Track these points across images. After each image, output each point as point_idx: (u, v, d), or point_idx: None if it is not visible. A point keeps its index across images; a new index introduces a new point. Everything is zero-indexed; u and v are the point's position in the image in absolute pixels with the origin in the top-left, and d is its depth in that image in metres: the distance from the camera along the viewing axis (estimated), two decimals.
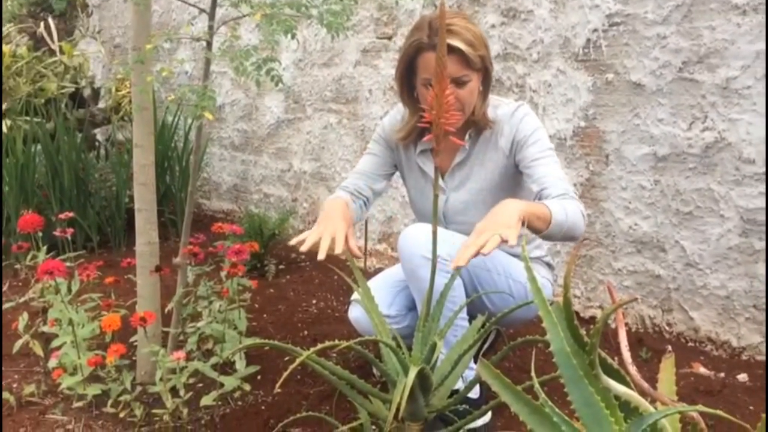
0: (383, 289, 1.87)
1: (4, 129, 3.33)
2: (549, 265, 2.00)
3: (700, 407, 0.77)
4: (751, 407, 1.88)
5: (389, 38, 3.05)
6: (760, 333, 2.14)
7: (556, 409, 0.88)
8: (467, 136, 1.82)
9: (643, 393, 0.88)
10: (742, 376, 2.06)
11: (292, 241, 1.60)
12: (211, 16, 1.70)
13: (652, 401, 0.91)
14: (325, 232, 1.58)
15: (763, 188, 2.07)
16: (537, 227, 1.53)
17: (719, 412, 0.76)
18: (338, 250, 1.55)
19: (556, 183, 1.65)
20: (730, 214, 2.14)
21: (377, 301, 1.67)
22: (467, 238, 1.46)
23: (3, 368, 2.14)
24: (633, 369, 0.88)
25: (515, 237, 1.38)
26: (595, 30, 2.37)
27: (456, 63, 1.64)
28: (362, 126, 3.21)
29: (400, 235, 1.76)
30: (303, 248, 1.56)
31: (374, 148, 1.96)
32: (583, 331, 0.94)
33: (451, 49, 1.60)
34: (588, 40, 2.39)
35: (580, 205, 1.62)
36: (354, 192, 1.90)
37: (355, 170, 1.96)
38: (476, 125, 1.80)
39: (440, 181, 1.82)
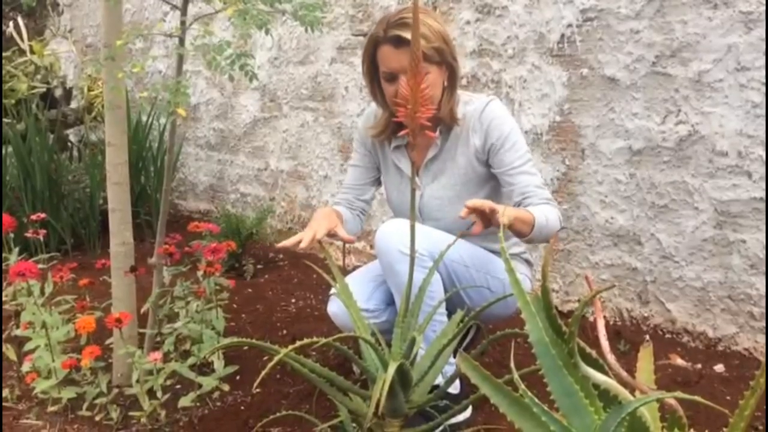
0: (362, 284, 1.86)
1: None
2: (527, 262, 2.00)
3: (679, 394, 0.78)
4: (728, 397, 1.90)
5: (365, 35, 3.04)
6: (736, 324, 2.16)
7: (536, 400, 0.87)
8: (437, 132, 1.82)
9: (621, 382, 0.89)
10: (719, 367, 2.09)
11: (279, 245, 1.67)
12: (184, 11, 1.67)
13: (631, 390, 0.91)
14: (307, 231, 1.68)
15: (736, 180, 2.09)
16: (522, 230, 1.63)
17: (697, 398, 0.76)
18: (319, 235, 1.66)
19: (537, 192, 1.74)
20: (705, 207, 2.17)
21: (356, 296, 1.67)
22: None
23: None
24: (611, 358, 0.88)
25: (505, 216, 1.50)
26: (570, 25, 2.38)
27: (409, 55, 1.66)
28: (339, 123, 3.20)
29: (378, 231, 1.75)
30: (286, 244, 1.66)
31: (355, 157, 2.01)
32: (561, 322, 0.94)
33: (406, 42, 1.63)
34: (562, 35, 2.41)
35: (559, 211, 1.74)
36: (347, 205, 1.99)
37: (343, 185, 2.05)
38: (443, 122, 1.80)
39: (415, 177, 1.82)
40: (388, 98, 1.76)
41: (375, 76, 1.80)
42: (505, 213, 1.55)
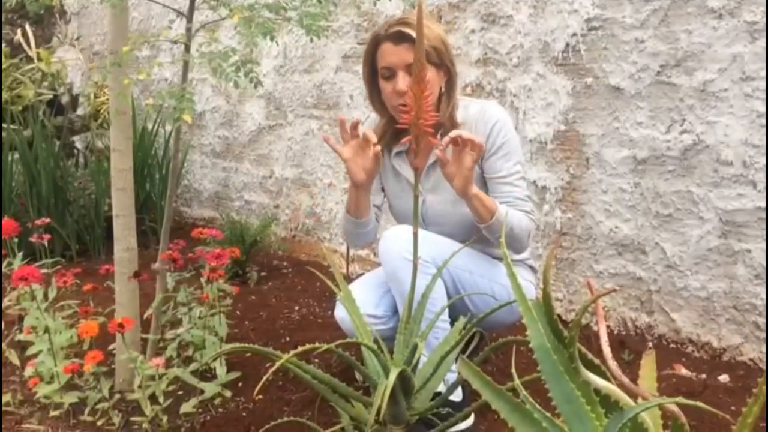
0: (370, 289, 1.86)
1: None
2: (532, 268, 2.00)
3: (681, 399, 0.77)
4: (732, 408, 1.89)
5: None
6: (741, 334, 2.15)
7: (537, 405, 0.87)
8: (437, 136, 1.82)
9: (623, 388, 0.88)
10: (724, 377, 2.07)
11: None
12: (189, 18, 1.68)
13: (633, 397, 0.91)
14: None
15: (741, 190, 2.09)
16: (481, 214, 1.68)
17: (699, 403, 0.76)
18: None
19: (516, 202, 1.78)
20: (709, 216, 2.16)
21: (363, 301, 1.68)
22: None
23: None
24: (613, 364, 0.88)
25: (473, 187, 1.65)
26: (574, 34, 2.39)
27: (410, 50, 1.68)
28: None
29: (381, 237, 1.75)
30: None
31: None
32: (563, 328, 0.93)
33: (406, 38, 1.69)
34: (567, 44, 2.41)
35: (532, 224, 1.79)
36: None
37: None
38: (444, 127, 1.81)
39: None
40: (385, 97, 1.77)
41: (374, 80, 1.81)
42: (473, 189, 1.63)
